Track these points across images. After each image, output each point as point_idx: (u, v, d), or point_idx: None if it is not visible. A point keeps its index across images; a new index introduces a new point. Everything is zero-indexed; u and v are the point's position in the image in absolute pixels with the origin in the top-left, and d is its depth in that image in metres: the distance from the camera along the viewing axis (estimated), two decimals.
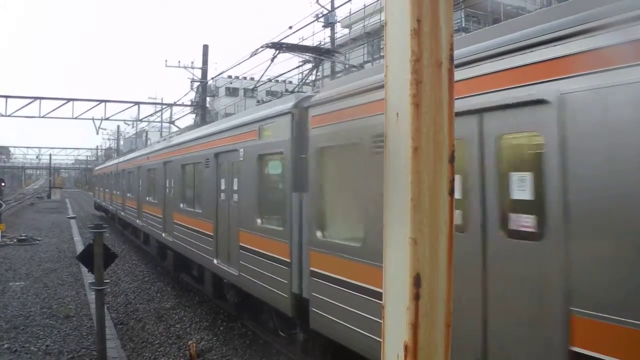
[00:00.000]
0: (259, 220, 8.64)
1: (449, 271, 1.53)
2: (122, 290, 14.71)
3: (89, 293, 12.58)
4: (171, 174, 15.20)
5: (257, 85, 14.86)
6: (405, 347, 1.47)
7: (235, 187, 9.80)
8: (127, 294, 14.30)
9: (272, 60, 11.22)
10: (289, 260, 7.50)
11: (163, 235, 15.54)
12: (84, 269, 13.04)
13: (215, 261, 10.74)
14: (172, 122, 38.00)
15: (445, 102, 1.51)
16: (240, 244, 9.26)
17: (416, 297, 1.46)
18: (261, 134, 8.60)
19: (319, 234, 6.87)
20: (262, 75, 13.38)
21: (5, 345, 9.38)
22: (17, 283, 14.62)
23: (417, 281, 1.46)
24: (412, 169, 1.46)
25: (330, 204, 6.90)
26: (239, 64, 38.62)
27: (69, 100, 32.11)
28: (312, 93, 7.78)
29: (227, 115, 29.76)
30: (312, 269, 6.94)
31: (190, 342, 9.59)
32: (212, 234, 10.97)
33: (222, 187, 10.57)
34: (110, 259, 8.52)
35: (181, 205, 13.69)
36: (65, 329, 10.40)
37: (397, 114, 1.51)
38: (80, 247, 19.86)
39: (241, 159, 9.35)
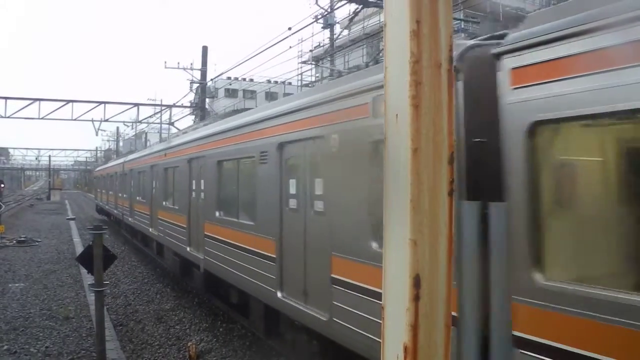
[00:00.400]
0: (373, 245, 5.57)
1: (449, 272, 1.53)
2: (122, 292, 14.70)
3: (89, 294, 12.58)
4: (200, 174, 12.35)
5: (334, 52, 12.16)
6: (405, 348, 1.47)
7: (318, 192, 6.91)
8: (127, 296, 14.29)
9: (356, 14, 9.99)
10: None
11: (188, 249, 12.87)
12: (84, 271, 13.02)
13: (279, 294, 7.73)
14: (171, 124, 38.03)
15: (444, 103, 1.51)
16: (334, 276, 6.28)
17: (416, 298, 1.46)
18: (380, 108, 5.32)
19: (539, 276, 3.80)
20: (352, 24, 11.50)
21: (5, 347, 9.37)
22: (17, 284, 14.61)
23: (416, 282, 1.46)
24: (411, 170, 1.46)
25: (566, 224, 4.04)
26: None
27: (68, 101, 32.14)
28: (500, 32, 4.88)
29: (226, 116, 29.74)
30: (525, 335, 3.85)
31: (189, 344, 9.58)
32: (273, 256, 7.94)
33: (291, 190, 7.69)
34: (110, 260, 8.52)
35: (217, 213, 10.84)
36: (64, 331, 10.40)
37: (397, 115, 1.51)
38: (79, 249, 19.84)
39: (333, 149, 6.46)
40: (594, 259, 3.79)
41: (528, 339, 3.82)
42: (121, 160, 28.48)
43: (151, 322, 11.76)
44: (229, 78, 42.81)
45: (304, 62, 38.51)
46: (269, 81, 44.82)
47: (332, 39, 30.90)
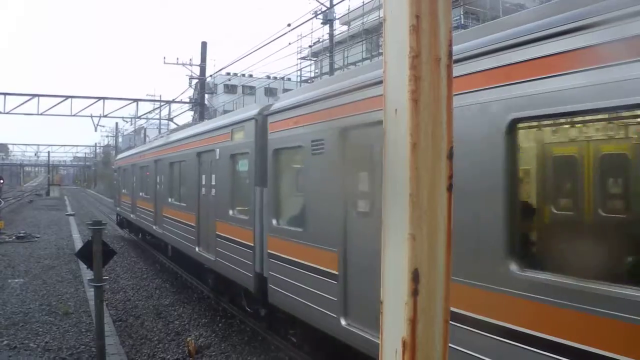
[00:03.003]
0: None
1: (448, 267, 1.53)
2: (121, 287, 14.72)
3: (88, 290, 12.59)
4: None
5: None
6: (404, 343, 1.47)
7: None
8: (126, 291, 14.31)
9: None
10: None
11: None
12: (83, 266, 13.05)
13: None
14: (170, 119, 38.02)
15: (443, 98, 1.51)
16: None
17: (414, 293, 1.46)
18: None
19: None
20: None
21: (5, 342, 9.38)
22: (16, 280, 14.62)
23: (415, 277, 1.46)
24: (410, 165, 1.46)
25: None
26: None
27: (67, 97, 32.12)
28: None
29: (225, 112, 29.69)
30: None
31: (189, 339, 9.60)
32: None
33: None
34: (109, 255, 8.51)
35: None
36: (64, 326, 10.41)
37: (396, 110, 1.51)
38: (79, 244, 19.85)
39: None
40: None
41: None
42: (212, 124, 12.29)
43: (150, 317, 11.78)
44: (228, 74, 42.74)
45: (303, 58, 38.48)
46: (268, 77, 44.75)
47: (331, 35, 30.87)
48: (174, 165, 14.64)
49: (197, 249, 10.85)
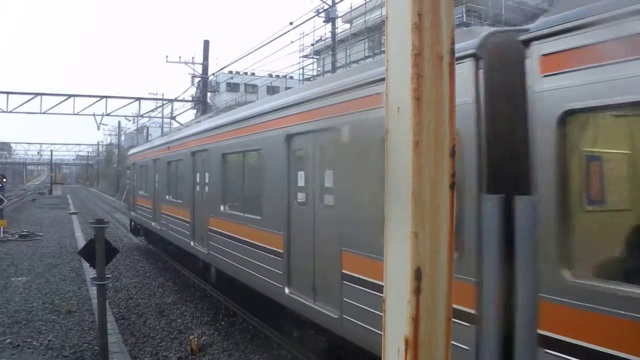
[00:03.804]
0: None
1: (450, 265, 1.53)
2: (124, 286, 14.74)
3: (91, 288, 12.62)
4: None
5: None
6: (406, 341, 1.47)
7: None
8: (129, 289, 14.33)
9: None
10: None
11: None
12: (86, 264, 13.08)
13: None
14: (173, 118, 38.08)
15: (446, 96, 1.51)
16: None
17: (417, 291, 1.46)
18: None
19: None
20: None
21: (8, 340, 9.41)
22: (19, 278, 14.65)
23: (418, 275, 1.46)
24: (413, 163, 1.46)
25: None
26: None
27: (70, 96, 32.20)
28: None
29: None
30: None
31: (191, 337, 9.62)
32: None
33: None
34: (112, 254, 8.52)
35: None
36: (67, 324, 10.44)
37: (398, 108, 1.51)
38: (81, 243, 19.87)
39: None
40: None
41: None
42: (333, 82, 6.79)
43: (153, 315, 11.80)
44: (230, 72, 42.75)
45: (306, 56, 38.47)
46: (270, 75, 44.74)
47: (333, 33, 30.84)
48: (230, 158, 10.32)
49: (287, 290, 7.31)
